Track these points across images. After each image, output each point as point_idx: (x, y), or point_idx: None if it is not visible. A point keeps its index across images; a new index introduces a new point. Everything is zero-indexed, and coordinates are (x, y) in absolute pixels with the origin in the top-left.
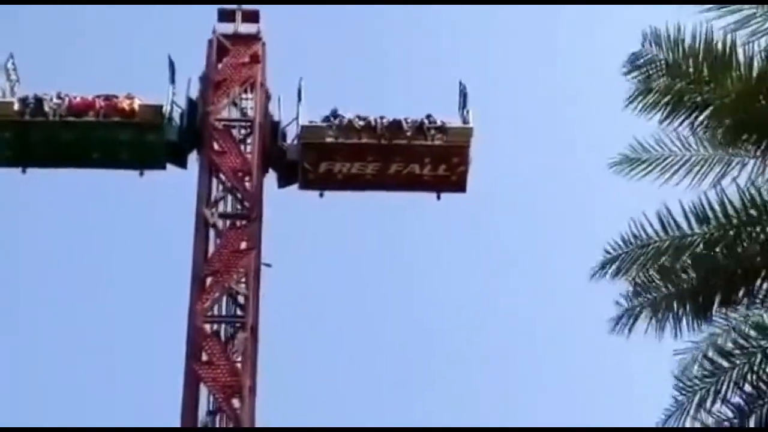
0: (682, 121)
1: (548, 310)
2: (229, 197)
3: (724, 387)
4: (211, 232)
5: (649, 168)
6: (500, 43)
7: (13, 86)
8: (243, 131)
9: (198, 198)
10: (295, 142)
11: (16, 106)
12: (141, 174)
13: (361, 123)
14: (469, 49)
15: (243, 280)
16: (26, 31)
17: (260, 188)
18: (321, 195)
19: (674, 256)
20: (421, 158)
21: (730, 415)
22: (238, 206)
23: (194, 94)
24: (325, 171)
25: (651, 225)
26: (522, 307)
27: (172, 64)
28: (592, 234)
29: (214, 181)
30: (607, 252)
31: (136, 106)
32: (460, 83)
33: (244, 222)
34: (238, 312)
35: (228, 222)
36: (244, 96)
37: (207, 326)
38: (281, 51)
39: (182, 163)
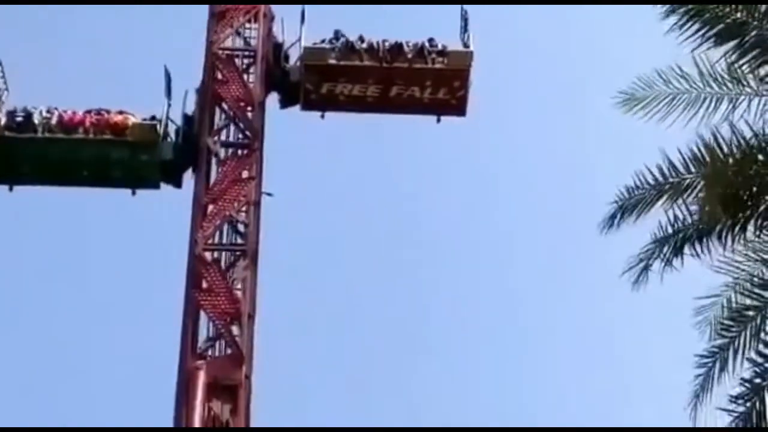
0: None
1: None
2: (231, 126)
3: None
4: (213, 161)
5: (655, 105)
6: None
7: (0, 95)
8: (246, 61)
9: (200, 127)
10: (298, 63)
11: (3, 120)
12: (133, 193)
13: (363, 45)
14: None
15: (244, 208)
16: (15, 38)
17: (262, 119)
18: (322, 116)
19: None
20: (421, 81)
21: None
22: (240, 135)
23: (191, 108)
24: (327, 92)
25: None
26: (522, 236)
27: (168, 76)
28: (593, 165)
29: (217, 109)
30: (626, 192)
31: (129, 123)
32: (462, 8)
33: (245, 151)
34: (239, 240)
35: (230, 151)
36: (247, 25)
37: (207, 254)
38: None
39: (177, 182)
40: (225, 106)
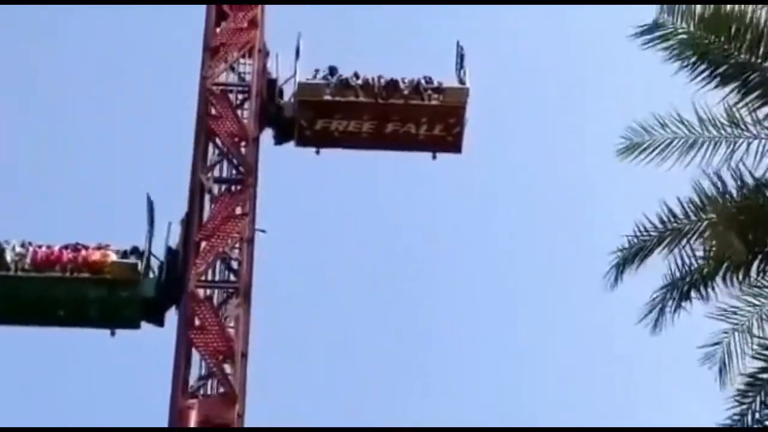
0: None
1: (546, 274)
2: (225, 162)
3: None
4: (206, 198)
5: (653, 150)
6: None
7: None
8: (240, 96)
9: (193, 163)
10: (292, 99)
11: None
12: (112, 334)
13: (358, 81)
14: (468, 7)
15: (237, 245)
16: None
17: (256, 154)
18: (317, 152)
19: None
20: (417, 118)
21: None
22: (234, 171)
23: (174, 240)
24: (322, 128)
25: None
26: (519, 271)
27: (151, 206)
28: (589, 203)
29: (210, 145)
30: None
31: (107, 261)
32: (458, 44)
33: (239, 187)
34: (231, 277)
35: (223, 187)
36: (242, 61)
37: (200, 291)
38: (281, 8)
39: (159, 321)
40: (218, 141)
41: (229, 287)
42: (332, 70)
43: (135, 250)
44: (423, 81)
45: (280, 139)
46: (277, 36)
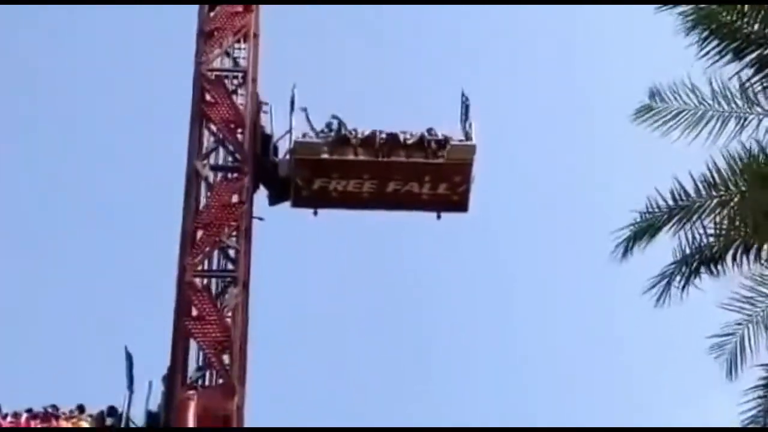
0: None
1: (553, 333)
2: (221, 150)
3: None
4: (202, 186)
5: (670, 120)
6: (506, 50)
7: None
8: (235, 81)
9: (189, 150)
10: (287, 156)
11: None
12: None
13: (358, 137)
14: (473, 57)
15: (234, 234)
16: None
17: (253, 142)
18: (315, 213)
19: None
20: (420, 176)
21: None
22: (230, 158)
23: (155, 401)
24: (319, 188)
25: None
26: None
27: (129, 359)
28: (597, 255)
29: (206, 132)
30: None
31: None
32: (463, 94)
33: (235, 175)
34: (230, 266)
35: (219, 175)
36: (237, 46)
37: (197, 281)
38: (276, 56)
39: None
40: (214, 128)
41: (227, 276)
42: (330, 126)
43: (112, 412)
44: (427, 134)
45: (275, 200)
46: (271, 87)
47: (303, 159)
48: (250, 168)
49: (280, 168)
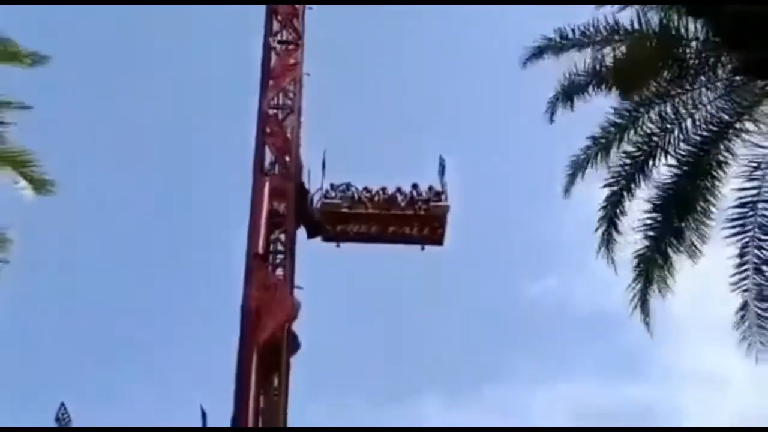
0: None
1: None
2: (284, 31)
3: None
4: (272, 54)
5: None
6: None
7: None
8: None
9: (264, 35)
10: (319, 206)
11: None
12: None
13: (367, 196)
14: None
15: (292, 82)
16: None
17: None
18: (338, 246)
19: None
20: (410, 223)
21: None
22: (289, 36)
23: None
24: (341, 230)
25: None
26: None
27: (204, 417)
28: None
29: (274, 21)
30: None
31: None
32: (440, 157)
33: (292, 47)
34: (288, 102)
35: (282, 47)
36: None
37: (271, 111)
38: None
39: None
40: (279, 17)
41: (287, 108)
42: (348, 186)
43: None
44: (414, 193)
45: (310, 235)
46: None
47: (329, 212)
48: (301, 41)
49: (314, 214)
